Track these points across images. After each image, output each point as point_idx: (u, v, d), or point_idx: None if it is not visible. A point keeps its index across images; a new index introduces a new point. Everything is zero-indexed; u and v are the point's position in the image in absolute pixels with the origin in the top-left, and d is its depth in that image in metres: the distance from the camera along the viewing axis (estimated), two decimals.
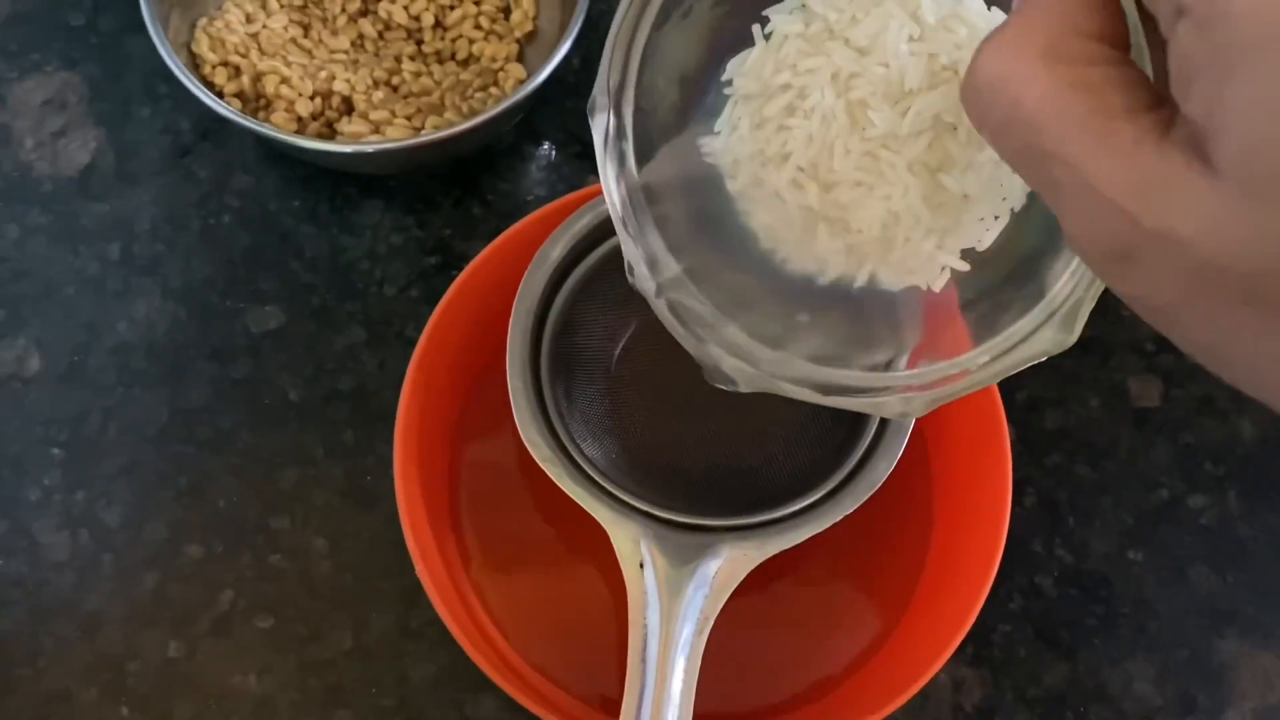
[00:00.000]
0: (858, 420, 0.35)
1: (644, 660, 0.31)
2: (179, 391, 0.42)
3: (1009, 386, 0.42)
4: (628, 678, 0.30)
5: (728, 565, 0.33)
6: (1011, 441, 0.41)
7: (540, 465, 0.33)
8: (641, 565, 0.32)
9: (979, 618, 0.36)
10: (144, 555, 0.40)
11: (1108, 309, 0.45)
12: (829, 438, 0.37)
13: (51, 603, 0.39)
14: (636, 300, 0.29)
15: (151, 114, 0.46)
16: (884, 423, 0.35)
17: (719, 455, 0.39)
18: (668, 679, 0.30)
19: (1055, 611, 0.41)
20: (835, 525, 0.34)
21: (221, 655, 0.39)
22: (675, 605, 0.31)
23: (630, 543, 0.32)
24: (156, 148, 0.45)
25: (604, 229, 0.35)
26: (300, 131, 0.43)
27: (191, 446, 0.42)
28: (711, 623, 0.32)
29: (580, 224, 0.35)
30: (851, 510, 0.34)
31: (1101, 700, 0.40)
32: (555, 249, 0.35)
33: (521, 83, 0.44)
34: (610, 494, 0.33)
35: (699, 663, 0.31)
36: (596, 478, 0.33)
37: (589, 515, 0.33)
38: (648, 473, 0.37)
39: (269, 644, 0.39)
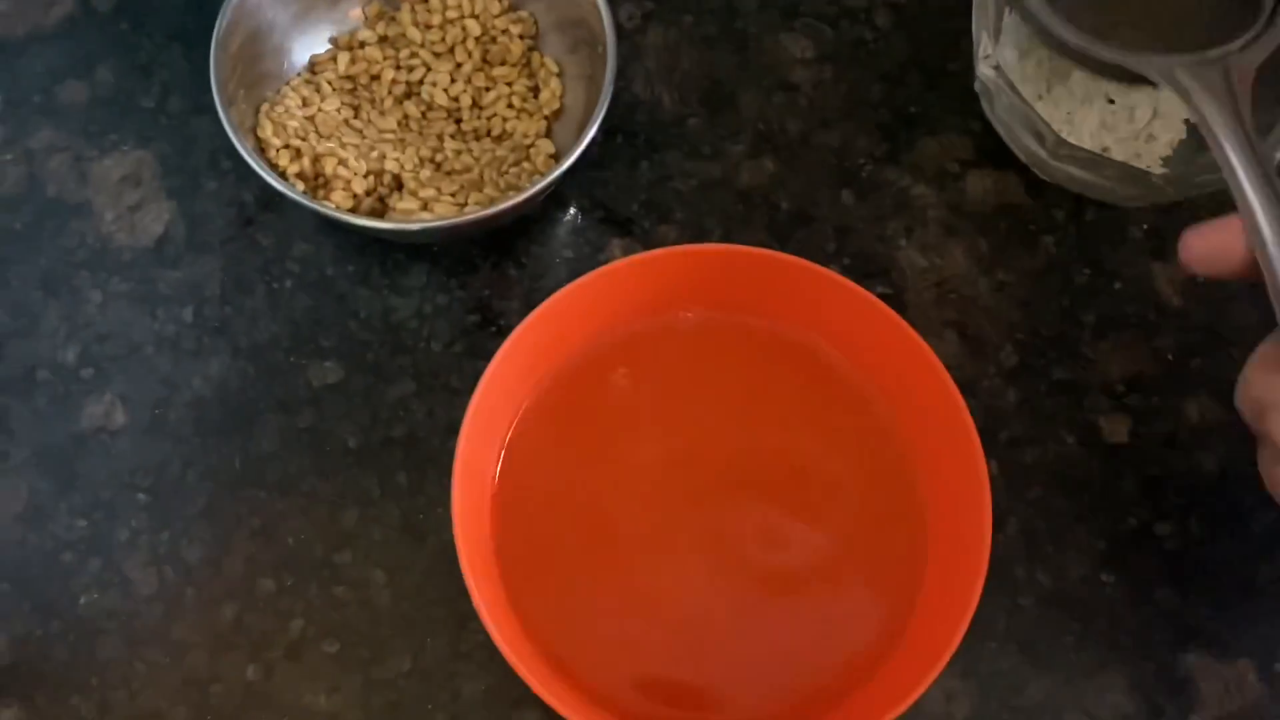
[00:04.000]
0: None
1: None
2: (250, 441, 0.47)
3: (992, 427, 0.47)
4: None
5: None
6: (994, 476, 0.46)
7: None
8: None
9: (967, 636, 0.41)
10: (223, 589, 0.45)
11: (1079, 354, 0.50)
12: None
13: (142, 632, 0.44)
14: None
15: (218, 188, 0.51)
16: None
17: None
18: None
19: (1036, 629, 0.46)
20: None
21: (294, 677, 0.44)
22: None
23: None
24: (223, 218, 0.51)
25: None
26: (356, 209, 0.48)
27: (262, 490, 0.46)
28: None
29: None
30: None
31: (1079, 709, 0.45)
32: None
33: (553, 158, 0.49)
34: None
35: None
36: None
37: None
38: None
39: (336, 666, 0.44)
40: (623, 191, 0.52)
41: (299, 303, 0.49)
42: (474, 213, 0.46)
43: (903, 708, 0.39)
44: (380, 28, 0.51)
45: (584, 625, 0.44)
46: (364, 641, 0.45)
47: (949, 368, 0.47)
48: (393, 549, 0.46)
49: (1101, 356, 0.50)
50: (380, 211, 0.48)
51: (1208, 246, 0.36)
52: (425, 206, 0.47)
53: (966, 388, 0.47)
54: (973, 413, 0.47)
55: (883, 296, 0.48)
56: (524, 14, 0.52)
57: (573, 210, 0.52)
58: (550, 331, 0.43)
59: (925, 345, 0.43)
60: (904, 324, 0.43)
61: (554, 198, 0.51)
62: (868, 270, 0.51)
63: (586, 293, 0.42)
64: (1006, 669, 0.45)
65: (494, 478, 0.45)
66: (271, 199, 0.51)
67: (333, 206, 0.46)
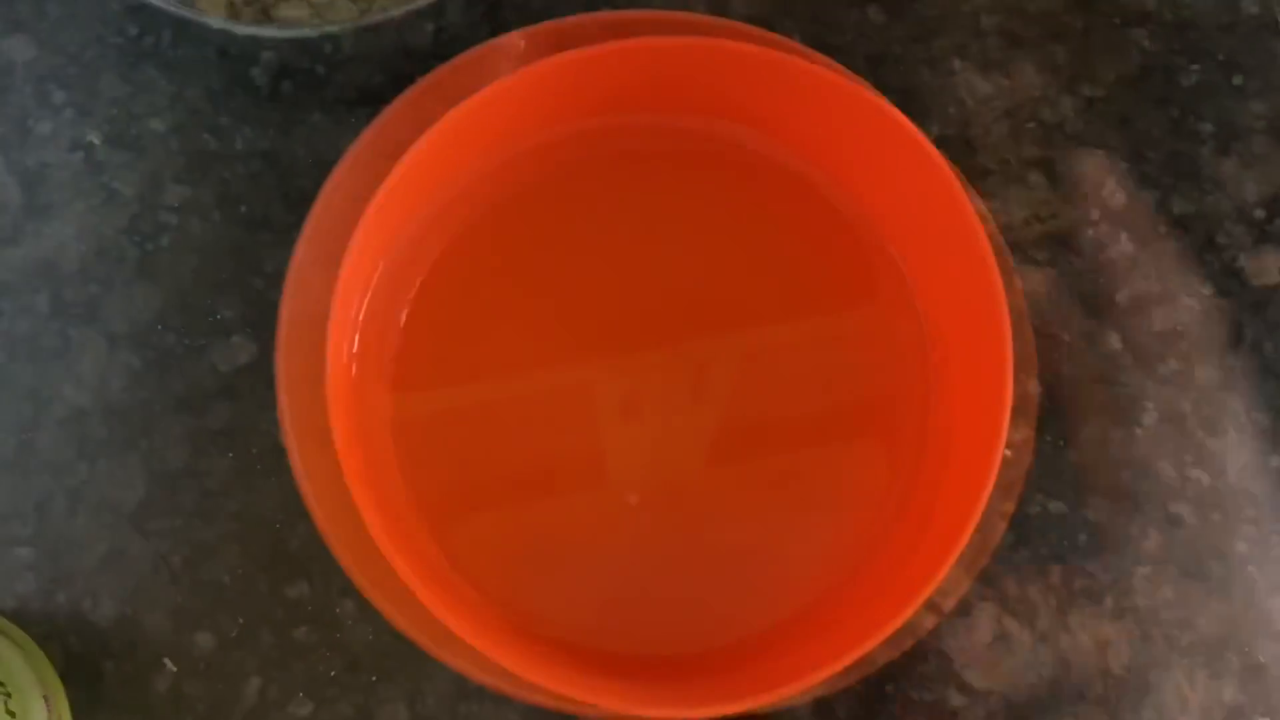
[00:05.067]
0: None
1: None
2: (151, 456, 0.36)
3: (1105, 287, 0.36)
4: None
5: None
6: (1118, 352, 0.36)
7: None
8: None
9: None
10: (149, 654, 0.35)
11: (1200, 177, 0.38)
12: None
13: None
14: None
15: (53, 129, 0.39)
16: None
17: None
18: None
19: (1200, 542, 0.36)
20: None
21: None
22: None
23: None
24: (67, 168, 0.38)
25: None
26: (235, 18, 0.36)
27: (178, 518, 0.35)
28: None
29: None
30: None
31: (1270, 635, 0.35)
32: None
33: None
34: None
35: None
36: None
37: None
38: None
39: None
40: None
41: (184, 264, 0.37)
42: (380, 14, 0.34)
43: (910, 609, 0.29)
44: None
45: (519, 547, 0.34)
46: (344, 695, 0.34)
47: (1039, 218, 0.36)
48: None
49: (1230, 176, 0.38)
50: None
51: None
52: (317, 13, 0.36)
53: (1064, 241, 0.36)
54: (1080, 272, 0.37)
55: (942, 138, 0.37)
56: None
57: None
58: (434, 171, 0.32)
59: (905, 121, 0.32)
60: (869, 93, 0.32)
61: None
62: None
63: (488, 109, 0.31)
64: (1169, 599, 0.35)
65: (350, 363, 0.34)
66: (124, 131, 0.38)
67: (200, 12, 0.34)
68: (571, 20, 0.35)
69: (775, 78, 0.33)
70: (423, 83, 0.32)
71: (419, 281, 0.35)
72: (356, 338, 0.34)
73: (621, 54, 0.33)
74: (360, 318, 0.34)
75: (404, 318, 0.35)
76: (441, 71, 0.34)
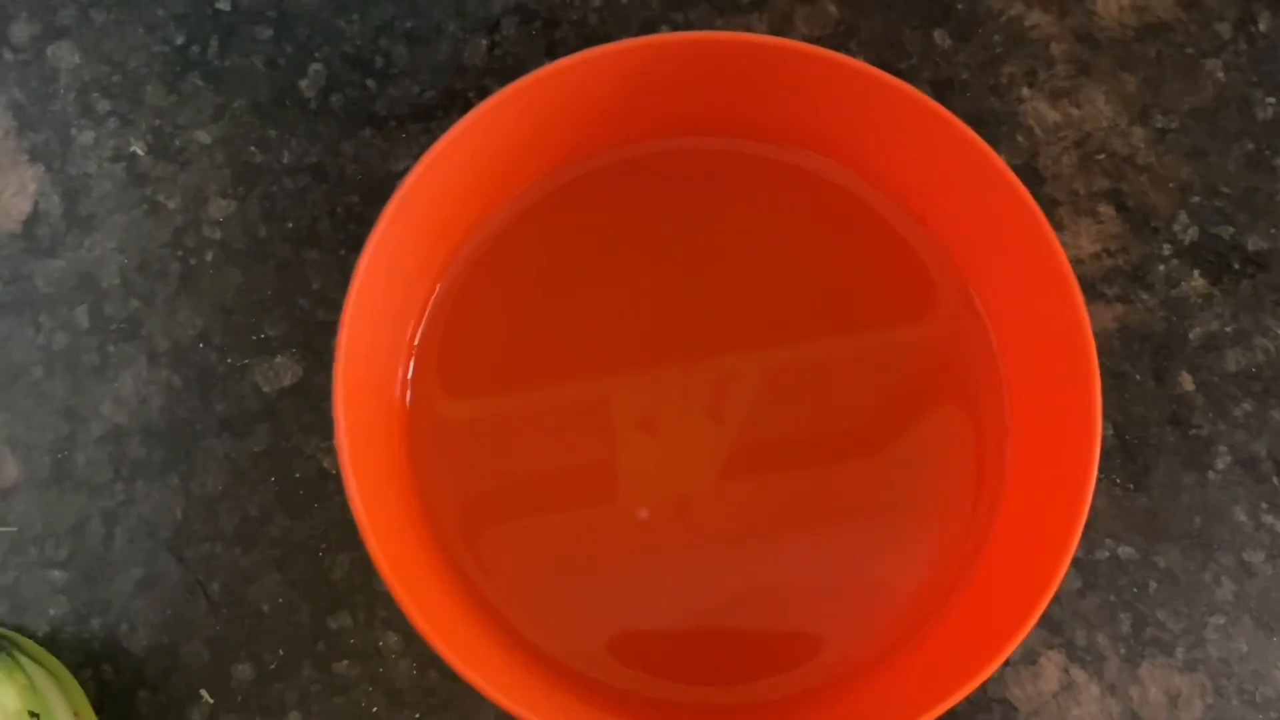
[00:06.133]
0: None
1: None
2: (191, 477, 0.35)
3: (1178, 326, 0.35)
4: None
5: None
6: (1189, 391, 0.35)
7: None
8: None
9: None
10: (185, 685, 0.33)
11: (1278, 212, 0.37)
12: None
13: None
14: None
15: (96, 138, 0.37)
16: None
17: None
18: None
19: (1275, 591, 0.34)
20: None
21: None
22: None
23: None
24: (110, 179, 0.37)
25: None
26: None
27: (218, 544, 0.34)
28: None
29: None
30: None
31: None
32: None
33: None
34: None
35: None
36: None
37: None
38: None
39: None
40: None
41: (228, 281, 0.36)
42: None
43: (970, 687, 0.28)
44: None
45: (544, 572, 0.32)
46: None
47: (1108, 251, 0.35)
48: None
49: None
50: None
51: None
52: None
53: (1135, 277, 0.35)
54: (1150, 309, 0.35)
55: (1011, 167, 0.35)
56: None
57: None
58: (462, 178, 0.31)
59: (982, 143, 0.31)
60: (950, 115, 0.31)
61: None
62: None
63: (515, 108, 0.30)
64: (1242, 650, 0.34)
65: (404, 387, 0.33)
66: (168, 145, 0.37)
67: None
68: (634, 43, 0.34)
69: (839, 84, 0.32)
70: (494, 98, 0.31)
71: (458, 298, 0.34)
72: (412, 363, 0.33)
73: (683, 47, 0.31)
74: (416, 342, 0.33)
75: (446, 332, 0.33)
76: (513, 87, 0.32)
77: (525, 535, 0.33)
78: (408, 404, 0.33)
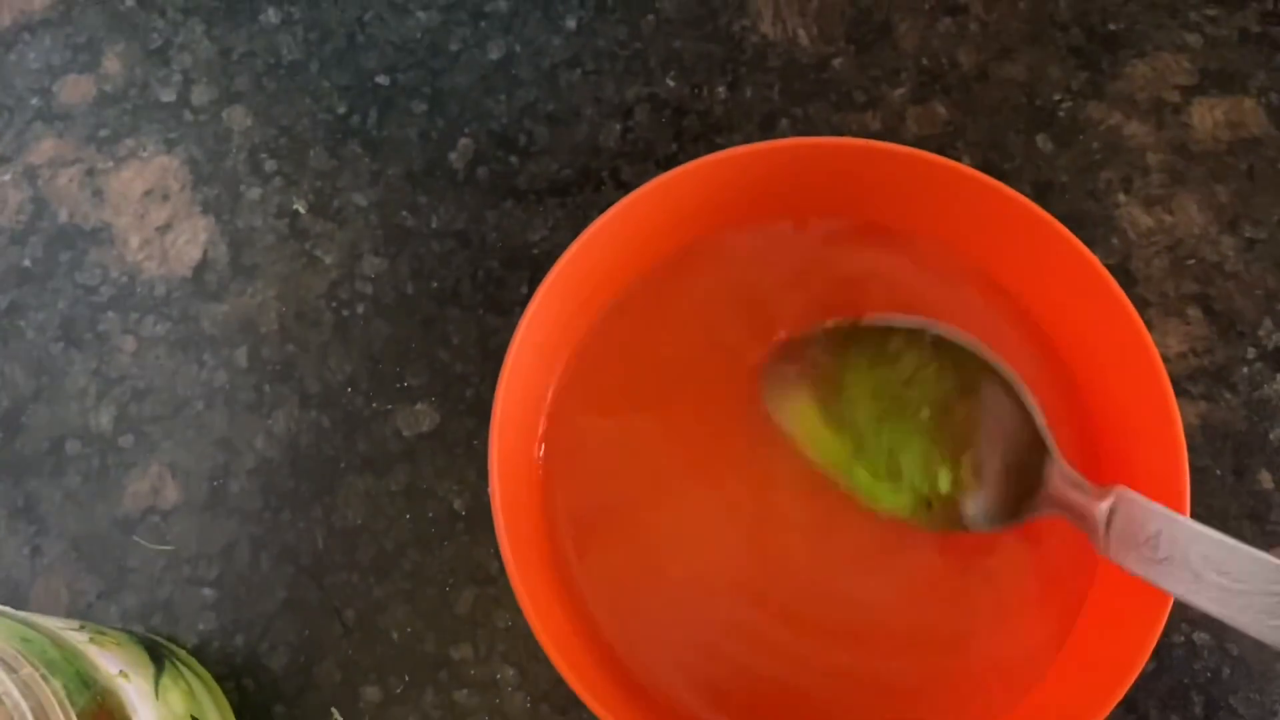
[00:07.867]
0: None
1: None
2: (333, 511, 0.38)
3: (1260, 427, 0.37)
4: None
5: None
6: (1269, 490, 0.37)
7: None
8: None
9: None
10: (318, 701, 0.36)
11: None
12: None
13: None
14: None
15: (263, 194, 0.41)
16: None
17: None
18: None
19: None
20: None
21: None
22: None
23: None
24: (273, 233, 0.41)
25: None
26: None
27: (354, 573, 0.37)
28: None
29: None
30: None
31: None
32: None
33: None
34: None
35: None
36: None
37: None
38: None
39: None
40: None
41: (377, 332, 0.40)
42: None
43: None
44: None
45: (651, 617, 0.34)
46: None
47: (1195, 352, 0.38)
48: (522, 637, 0.37)
49: None
50: None
51: None
52: None
53: (1219, 378, 0.37)
54: (1233, 407, 0.38)
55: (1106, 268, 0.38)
56: None
57: None
58: (610, 254, 0.33)
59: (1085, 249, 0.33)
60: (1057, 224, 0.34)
61: None
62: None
63: (659, 196, 0.33)
64: None
65: (538, 448, 0.35)
66: (326, 203, 0.41)
67: None
68: (777, 144, 0.36)
69: (954, 190, 0.34)
70: (644, 188, 0.33)
71: (600, 373, 0.37)
72: (542, 421, 0.36)
73: (813, 150, 0.34)
74: (548, 402, 0.36)
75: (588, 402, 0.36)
76: (662, 179, 0.34)
77: (648, 590, 0.35)
78: (540, 460, 0.35)
